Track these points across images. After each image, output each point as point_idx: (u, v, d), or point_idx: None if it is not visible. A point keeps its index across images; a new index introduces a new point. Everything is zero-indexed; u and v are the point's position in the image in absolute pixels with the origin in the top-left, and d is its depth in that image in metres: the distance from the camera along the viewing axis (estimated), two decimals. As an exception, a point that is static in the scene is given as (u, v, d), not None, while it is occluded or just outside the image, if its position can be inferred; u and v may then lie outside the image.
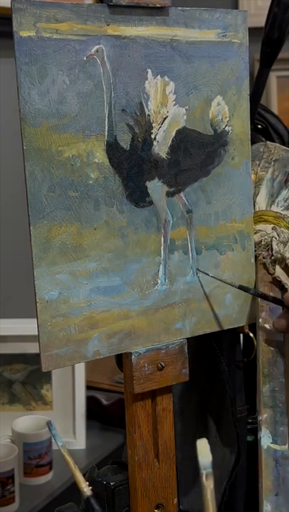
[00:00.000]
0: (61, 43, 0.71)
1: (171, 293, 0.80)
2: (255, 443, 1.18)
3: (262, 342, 0.83)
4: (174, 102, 0.79)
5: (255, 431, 1.18)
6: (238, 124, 0.84)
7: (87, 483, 0.68)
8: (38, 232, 0.72)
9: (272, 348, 0.83)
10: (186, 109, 0.80)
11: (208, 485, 0.55)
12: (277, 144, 1.01)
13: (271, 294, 0.87)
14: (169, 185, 0.79)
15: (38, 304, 0.72)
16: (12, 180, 1.73)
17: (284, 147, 1.01)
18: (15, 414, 1.51)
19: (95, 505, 0.66)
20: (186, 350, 0.81)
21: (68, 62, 0.72)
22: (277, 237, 0.89)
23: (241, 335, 1.16)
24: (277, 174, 0.95)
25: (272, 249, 0.89)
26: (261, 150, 0.98)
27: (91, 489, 0.69)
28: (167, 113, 0.78)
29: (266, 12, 1.02)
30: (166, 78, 0.78)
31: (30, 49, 0.70)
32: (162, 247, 0.79)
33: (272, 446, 0.76)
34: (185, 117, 0.80)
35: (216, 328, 0.84)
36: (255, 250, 0.89)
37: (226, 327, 0.85)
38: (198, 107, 0.81)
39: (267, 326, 0.84)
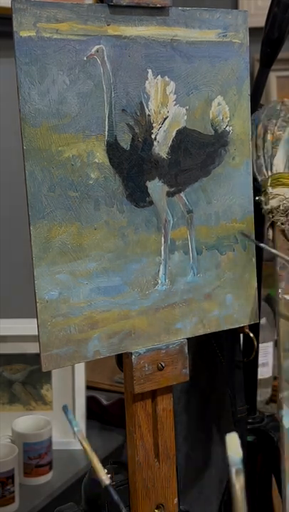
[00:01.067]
0: (61, 43, 0.71)
1: (172, 293, 0.80)
2: (255, 443, 1.18)
3: (282, 314, 0.79)
4: (175, 102, 0.79)
5: (255, 431, 1.19)
6: (238, 124, 0.84)
7: (106, 470, 0.65)
8: (38, 232, 0.71)
9: None
10: (186, 109, 0.80)
11: (239, 481, 0.54)
12: None
13: None
14: (170, 185, 0.79)
15: (38, 304, 0.72)
16: (12, 180, 1.73)
17: None
18: (15, 414, 1.51)
19: (114, 495, 0.64)
20: (186, 350, 0.81)
21: (68, 62, 0.72)
22: None
23: (241, 335, 1.16)
24: None
25: None
26: (278, 108, 0.93)
27: (111, 477, 0.66)
28: (168, 113, 0.78)
29: (266, 12, 1.02)
30: (167, 78, 0.78)
31: (30, 49, 0.70)
32: (162, 247, 0.79)
33: None
34: (185, 117, 0.80)
35: (216, 328, 0.84)
36: (272, 216, 0.84)
37: (226, 327, 0.85)
38: (198, 107, 0.81)
39: (287, 296, 0.80)
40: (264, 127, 0.92)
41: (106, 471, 0.64)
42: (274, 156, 0.89)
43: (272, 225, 0.84)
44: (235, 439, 0.55)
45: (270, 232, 0.86)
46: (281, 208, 0.85)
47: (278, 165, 0.88)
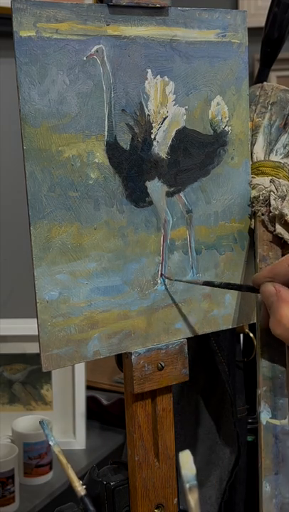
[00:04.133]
0: (61, 43, 0.71)
1: (171, 293, 0.80)
2: (255, 443, 1.18)
3: (258, 306, 0.77)
4: (174, 102, 0.79)
5: (255, 431, 1.19)
6: (237, 124, 0.84)
7: (81, 482, 0.66)
8: (38, 232, 0.72)
9: None
10: (185, 109, 0.80)
11: (193, 497, 0.53)
12: (276, 84, 0.91)
13: (270, 254, 0.80)
14: (169, 185, 0.79)
15: (38, 304, 0.72)
16: (12, 181, 1.73)
17: (283, 87, 0.91)
18: (15, 414, 1.51)
19: (90, 506, 0.65)
20: (186, 350, 0.81)
21: (68, 62, 0.72)
22: (275, 191, 0.82)
23: (241, 335, 1.16)
24: (275, 119, 0.87)
25: (270, 205, 0.81)
26: (257, 94, 0.90)
27: (86, 488, 0.68)
28: (167, 113, 0.78)
29: (266, 12, 1.02)
30: (166, 78, 0.78)
31: (30, 49, 0.70)
32: (162, 247, 0.79)
33: (271, 421, 0.71)
34: (185, 117, 0.80)
35: (216, 328, 0.84)
36: (253, 206, 0.82)
37: (225, 327, 0.85)
38: (197, 106, 0.81)
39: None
40: None
41: (81, 482, 0.65)
42: (254, 144, 0.86)
43: (254, 215, 0.82)
44: (189, 457, 0.54)
45: (252, 222, 0.83)
46: (261, 197, 0.82)
47: (258, 153, 0.86)
